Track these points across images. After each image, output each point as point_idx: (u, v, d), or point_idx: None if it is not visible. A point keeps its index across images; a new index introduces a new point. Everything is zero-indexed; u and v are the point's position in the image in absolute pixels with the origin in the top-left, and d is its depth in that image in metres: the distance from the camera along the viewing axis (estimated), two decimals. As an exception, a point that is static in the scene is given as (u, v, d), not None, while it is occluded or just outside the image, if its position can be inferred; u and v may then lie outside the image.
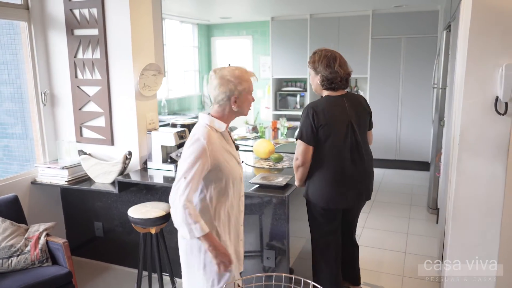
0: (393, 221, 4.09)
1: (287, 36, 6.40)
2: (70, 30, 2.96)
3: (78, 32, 2.96)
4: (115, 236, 3.16)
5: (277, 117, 6.82)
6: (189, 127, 3.13)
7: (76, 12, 2.92)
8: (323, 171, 2.29)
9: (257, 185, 2.49)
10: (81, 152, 3.00)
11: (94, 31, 2.90)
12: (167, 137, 2.85)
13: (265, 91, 7.16)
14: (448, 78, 3.75)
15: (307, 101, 6.56)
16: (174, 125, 3.19)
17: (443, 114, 4.01)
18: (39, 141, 3.14)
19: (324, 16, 6.14)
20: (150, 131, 2.94)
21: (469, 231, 2.25)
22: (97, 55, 2.92)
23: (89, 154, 3.00)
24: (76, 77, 3.03)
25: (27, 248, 2.49)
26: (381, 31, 5.84)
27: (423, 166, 5.71)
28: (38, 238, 2.54)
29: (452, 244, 2.30)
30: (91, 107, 3.04)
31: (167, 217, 2.59)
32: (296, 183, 2.43)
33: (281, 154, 3.13)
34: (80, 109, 3.07)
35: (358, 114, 2.35)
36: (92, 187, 2.91)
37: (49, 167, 2.97)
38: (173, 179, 2.81)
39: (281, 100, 6.79)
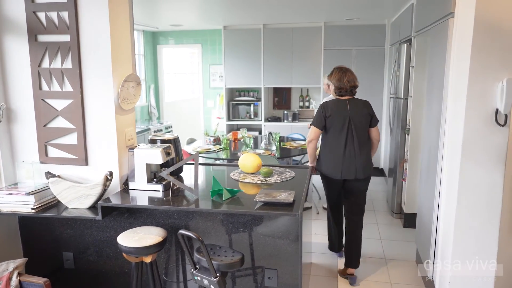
0: (366, 228, 4.17)
1: (240, 46, 6.34)
2: (33, 35, 2.59)
3: (43, 38, 2.60)
4: (89, 266, 2.81)
5: (231, 127, 6.72)
6: (170, 142, 2.91)
7: (41, 15, 2.56)
8: (327, 151, 3.18)
9: (262, 203, 2.37)
10: (49, 174, 2.62)
11: (65, 37, 2.56)
12: (154, 154, 2.61)
13: (215, 101, 7.01)
14: (412, 89, 3.95)
15: (261, 111, 6.54)
16: (153, 141, 2.93)
17: (405, 123, 4.22)
18: (-8, 163, 2.69)
19: (277, 26, 6.19)
20: (133, 149, 2.67)
21: (471, 235, 2.36)
22: (68, 64, 2.59)
23: (58, 176, 2.64)
24: (41, 89, 2.65)
25: (-3, 293, 2.10)
26: (332, 43, 6.04)
27: (375, 172, 5.98)
28: (9, 279, 2.16)
29: (455, 249, 2.39)
30: (60, 122, 2.68)
31: (163, 243, 2.36)
32: (310, 159, 3.36)
33: (271, 168, 3.04)
34: (45, 126, 2.69)
35: (358, 114, 3.10)
36: (65, 213, 2.54)
37: (11, 193, 2.55)
38: (159, 199, 2.59)
39: (232, 109, 6.69)
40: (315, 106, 6.63)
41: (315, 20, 5.93)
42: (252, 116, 6.62)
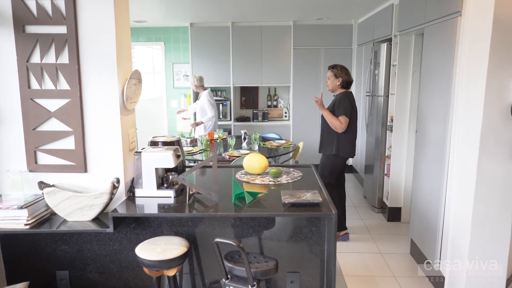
0: (353, 224, 4.25)
1: (208, 44, 6.15)
2: (20, 26, 2.26)
3: (33, 29, 2.28)
4: (88, 285, 2.52)
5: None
6: (174, 144, 2.71)
7: (31, 3, 2.24)
8: (350, 136, 3.70)
9: (290, 204, 2.27)
10: (42, 184, 2.31)
11: (60, 29, 2.27)
12: (165, 157, 2.40)
13: (180, 101, 6.74)
14: (395, 87, 4.07)
15: (230, 111, 6.40)
16: (154, 143, 2.71)
17: (386, 120, 4.34)
18: (-31, 174, 2.31)
19: (246, 24, 6.10)
20: (139, 152, 2.44)
21: (488, 228, 2.45)
22: (64, 59, 2.30)
23: (53, 186, 2.33)
24: (29, 87, 2.33)
25: (3, 325, 1.80)
26: (302, 42, 6.07)
27: (346, 169, 6.10)
28: (14, 307, 1.86)
29: (472, 243, 2.47)
30: (53, 125, 2.37)
31: (187, 254, 2.18)
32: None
33: (279, 168, 2.95)
34: (34, 129, 2.37)
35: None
36: (64, 228, 2.24)
37: (-2, 208, 2.20)
38: (171, 206, 2.39)
39: (199, 110, 6.47)
40: (283, 105, 6.63)
41: (285, 19, 5.92)
42: (221, 116, 6.45)
